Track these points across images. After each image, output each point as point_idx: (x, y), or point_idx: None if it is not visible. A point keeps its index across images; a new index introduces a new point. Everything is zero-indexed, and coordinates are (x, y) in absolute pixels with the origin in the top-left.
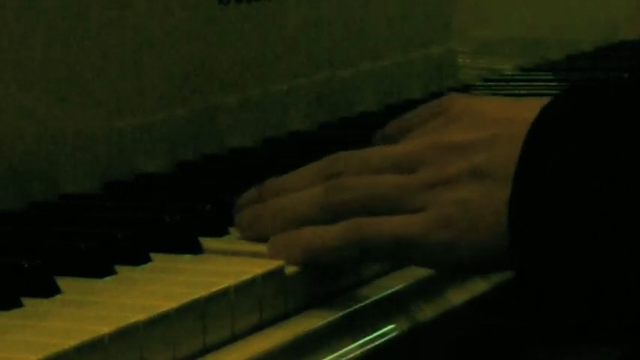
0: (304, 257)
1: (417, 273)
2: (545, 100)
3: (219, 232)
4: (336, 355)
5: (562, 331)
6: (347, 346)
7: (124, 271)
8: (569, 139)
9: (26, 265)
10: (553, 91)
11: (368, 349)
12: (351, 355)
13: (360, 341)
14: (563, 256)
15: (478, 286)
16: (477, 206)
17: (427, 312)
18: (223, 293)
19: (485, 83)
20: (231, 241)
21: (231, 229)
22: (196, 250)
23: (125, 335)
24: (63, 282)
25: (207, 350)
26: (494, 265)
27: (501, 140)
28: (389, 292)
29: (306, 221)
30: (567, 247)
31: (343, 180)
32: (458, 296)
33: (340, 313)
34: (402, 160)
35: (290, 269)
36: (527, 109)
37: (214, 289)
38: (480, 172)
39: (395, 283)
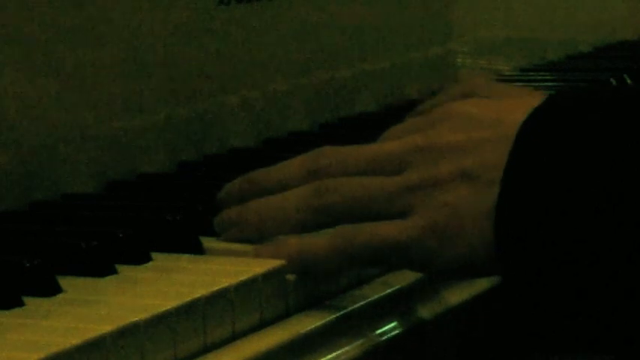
0: (291, 267)
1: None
2: (537, 100)
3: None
4: (335, 354)
5: (556, 339)
6: (347, 345)
7: (125, 271)
8: (559, 143)
9: (28, 265)
10: (552, 92)
11: (367, 349)
12: (351, 355)
13: (360, 341)
14: (549, 261)
15: (478, 286)
16: (465, 210)
17: (427, 311)
18: (224, 293)
19: None
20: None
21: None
22: (197, 249)
23: (126, 334)
24: (64, 281)
25: (208, 349)
26: (482, 270)
27: (490, 142)
28: (388, 291)
29: (291, 223)
30: (554, 253)
31: (329, 182)
32: (456, 296)
33: (340, 313)
34: (388, 160)
35: (290, 269)
36: (518, 110)
37: (215, 288)
38: (468, 174)
39: (395, 282)
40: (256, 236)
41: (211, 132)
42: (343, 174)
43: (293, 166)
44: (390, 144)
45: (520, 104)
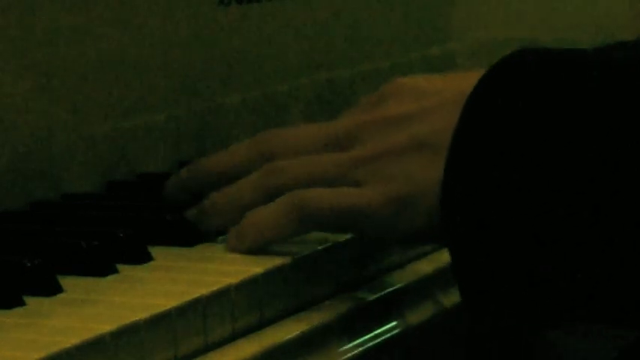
0: (256, 241)
1: (417, 272)
2: (482, 72)
3: (221, 231)
4: (336, 353)
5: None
6: (348, 344)
7: (125, 270)
8: (506, 108)
9: (29, 264)
10: None
11: (369, 347)
12: (352, 354)
13: (361, 339)
14: (493, 225)
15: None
16: (418, 177)
17: (427, 311)
18: (224, 292)
19: None
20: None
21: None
22: (197, 249)
23: (127, 334)
24: (65, 281)
25: (209, 349)
26: (435, 237)
27: (440, 109)
28: (389, 290)
29: (247, 207)
30: (498, 217)
31: (278, 163)
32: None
33: (341, 312)
34: (337, 137)
35: (290, 268)
36: (466, 80)
37: (215, 287)
38: (420, 142)
39: (396, 281)
40: (222, 225)
41: (211, 132)
42: (294, 154)
43: (241, 149)
44: (338, 122)
45: (467, 76)
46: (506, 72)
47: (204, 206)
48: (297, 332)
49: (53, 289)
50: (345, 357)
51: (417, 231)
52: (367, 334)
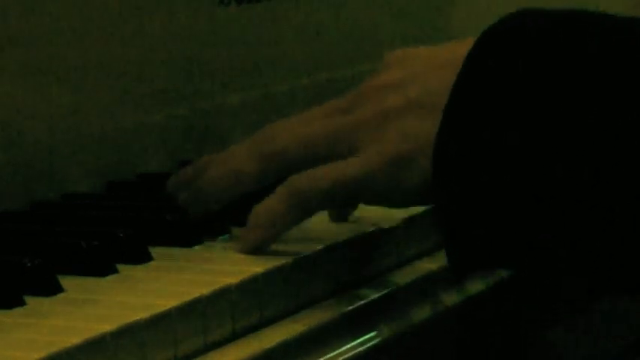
0: (265, 235)
1: (417, 271)
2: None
3: (221, 231)
4: (337, 352)
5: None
6: (348, 344)
7: (125, 270)
8: (504, 68)
9: (29, 264)
10: None
11: (369, 347)
12: (353, 353)
13: (361, 339)
14: (485, 190)
15: (475, 287)
16: (414, 135)
17: (427, 310)
18: (224, 292)
19: None
20: (233, 240)
21: (233, 229)
22: (198, 249)
23: (127, 333)
24: (65, 281)
25: (209, 348)
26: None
27: (435, 71)
28: (389, 290)
29: (241, 178)
30: (490, 182)
31: (270, 129)
32: (453, 296)
33: (341, 312)
34: (333, 107)
35: (290, 268)
36: (462, 46)
37: (215, 287)
38: (415, 103)
39: (395, 281)
40: (215, 200)
41: (211, 132)
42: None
43: (242, 146)
44: (335, 100)
45: (462, 42)
46: (505, 33)
47: (198, 183)
48: (297, 332)
49: (53, 289)
50: (345, 357)
51: (417, 190)
52: (367, 333)
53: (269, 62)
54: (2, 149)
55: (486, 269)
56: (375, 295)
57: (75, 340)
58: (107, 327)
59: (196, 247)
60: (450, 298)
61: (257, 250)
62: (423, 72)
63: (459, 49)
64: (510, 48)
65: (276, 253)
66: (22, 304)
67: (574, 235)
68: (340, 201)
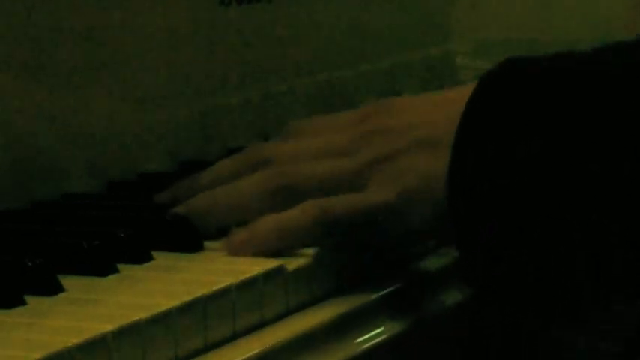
0: (272, 246)
1: (418, 271)
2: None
3: (222, 232)
4: (337, 352)
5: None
6: (348, 344)
7: (126, 270)
8: (508, 105)
9: (30, 264)
10: None
11: (369, 347)
12: (352, 353)
13: (361, 339)
14: (499, 223)
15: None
16: (424, 171)
17: (428, 310)
18: (224, 292)
19: None
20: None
21: (234, 229)
22: (198, 249)
23: (127, 333)
24: (66, 280)
25: (209, 348)
26: (444, 229)
27: (439, 111)
28: (389, 289)
29: (245, 208)
30: (502, 214)
31: (287, 167)
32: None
33: (341, 312)
34: (339, 147)
35: (291, 267)
36: (465, 88)
37: (216, 287)
38: (421, 142)
39: (396, 280)
40: (216, 226)
41: (212, 132)
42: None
43: (233, 163)
44: (336, 136)
45: (462, 87)
46: (509, 71)
47: (198, 206)
48: (298, 332)
49: (54, 289)
50: (346, 357)
51: (430, 223)
52: (367, 333)
53: (269, 62)
54: (3, 149)
55: (507, 291)
56: (375, 295)
57: (75, 339)
58: (108, 326)
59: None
60: (452, 298)
61: (255, 254)
62: (428, 113)
63: (461, 91)
64: (517, 82)
65: (276, 253)
66: (23, 303)
67: (591, 249)
68: (358, 229)
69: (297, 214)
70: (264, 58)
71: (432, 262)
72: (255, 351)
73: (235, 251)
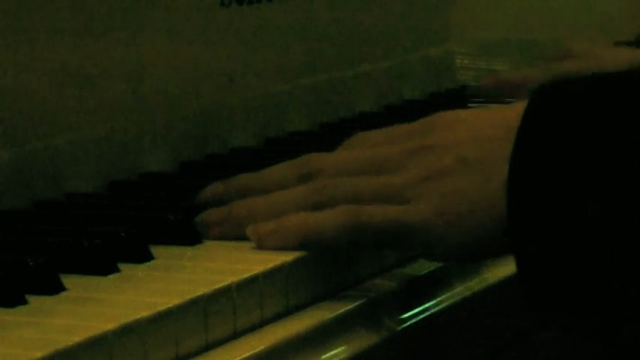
0: (297, 242)
1: (418, 270)
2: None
3: None
4: (337, 352)
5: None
6: (348, 343)
7: (127, 269)
8: (564, 124)
9: (31, 263)
10: None
11: (369, 346)
12: (352, 353)
13: (361, 338)
14: (562, 238)
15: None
16: (469, 194)
17: (428, 309)
18: (225, 290)
19: None
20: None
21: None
22: (199, 248)
23: (128, 332)
24: (67, 279)
25: (210, 347)
26: (490, 251)
27: (486, 132)
28: (389, 289)
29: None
30: (566, 230)
31: (330, 180)
32: (455, 295)
33: (341, 311)
34: (385, 162)
35: (291, 267)
36: (512, 108)
37: (216, 286)
38: (466, 163)
39: (396, 280)
40: (240, 232)
41: (213, 131)
42: (338, 176)
43: (284, 169)
44: (385, 148)
45: (508, 107)
46: (557, 94)
47: (233, 211)
48: (298, 332)
49: (56, 288)
50: (346, 356)
51: (462, 247)
52: (367, 333)
53: (269, 62)
54: (5, 149)
55: (569, 314)
56: (375, 294)
57: (77, 338)
58: (109, 325)
59: (197, 246)
60: (452, 297)
61: (282, 247)
62: (475, 134)
63: (509, 113)
64: (575, 96)
65: (277, 253)
66: (25, 302)
67: None
68: (389, 240)
69: (329, 215)
70: (264, 58)
71: (432, 262)
72: (256, 350)
73: (260, 241)
